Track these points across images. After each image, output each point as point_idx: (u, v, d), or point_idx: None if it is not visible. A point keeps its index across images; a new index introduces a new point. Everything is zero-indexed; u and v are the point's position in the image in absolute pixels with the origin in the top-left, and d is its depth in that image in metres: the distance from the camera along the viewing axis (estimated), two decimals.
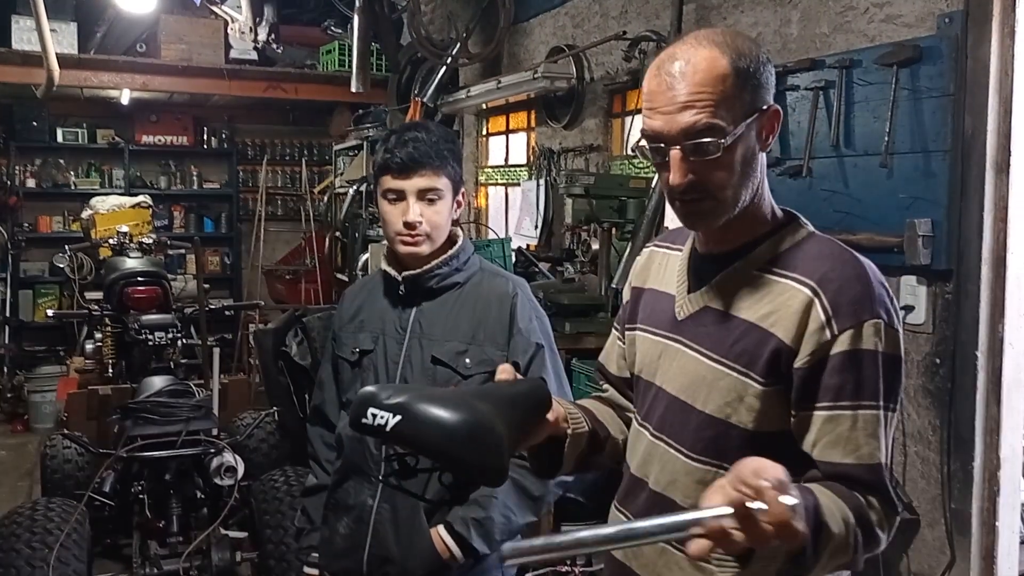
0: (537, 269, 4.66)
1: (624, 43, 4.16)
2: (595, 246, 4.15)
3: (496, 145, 6.46)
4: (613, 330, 1.65)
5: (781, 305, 1.27)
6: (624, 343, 1.57)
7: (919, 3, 2.84)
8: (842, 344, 1.23)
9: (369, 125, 7.19)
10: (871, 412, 1.24)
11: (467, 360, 1.92)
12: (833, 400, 1.23)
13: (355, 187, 6.96)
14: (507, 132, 6.24)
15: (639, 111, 4.07)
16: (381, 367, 2.00)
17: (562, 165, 5.13)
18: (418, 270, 1.98)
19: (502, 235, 5.23)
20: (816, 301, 1.25)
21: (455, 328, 1.95)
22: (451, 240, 2.03)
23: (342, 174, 7.88)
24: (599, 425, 1.52)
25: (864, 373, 1.23)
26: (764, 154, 1.33)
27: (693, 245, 1.43)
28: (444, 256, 1.99)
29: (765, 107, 1.29)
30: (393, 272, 2.01)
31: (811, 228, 1.38)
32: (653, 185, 3.73)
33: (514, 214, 5.78)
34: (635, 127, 4.33)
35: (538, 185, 5.23)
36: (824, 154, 3.16)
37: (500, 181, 6.25)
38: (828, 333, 1.23)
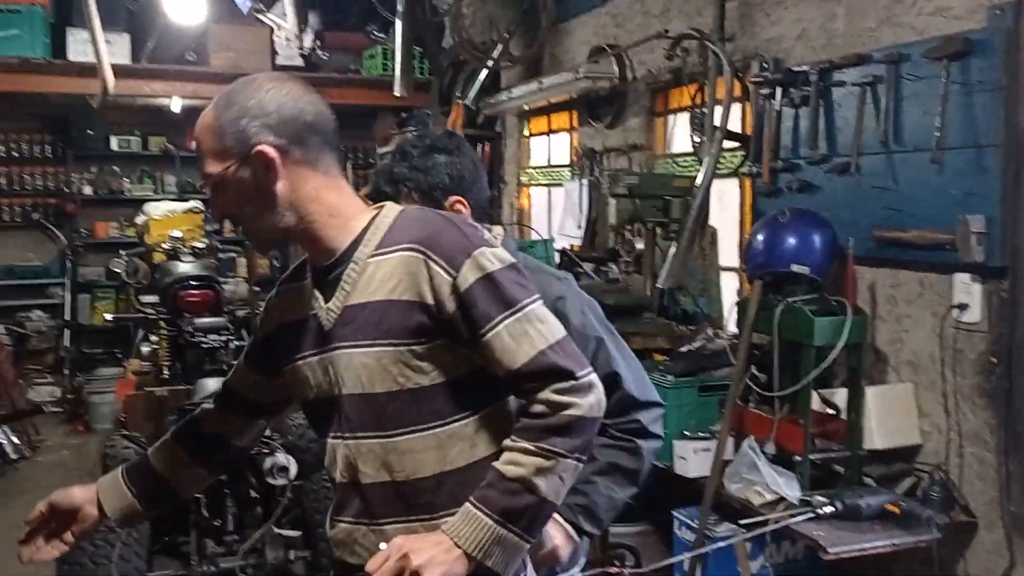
0: (581, 270, 4.66)
1: (666, 41, 4.15)
2: (639, 246, 4.14)
3: (538, 146, 6.48)
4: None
5: (402, 274, 1.44)
6: (266, 376, 1.69)
7: None
8: (465, 279, 1.41)
9: (412, 128, 7.25)
10: (512, 319, 1.41)
11: None
12: (484, 326, 1.40)
13: (372, 180, 7.01)
14: (549, 133, 6.25)
15: (683, 109, 4.04)
16: None
17: (605, 165, 5.13)
18: None
19: (545, 236, 5.25)
20: (425, 258, 1.43)
21: None
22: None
23: None
24: (150, 480, 1.73)
25: (493, 291, 1.41)
26: (312, 179, 1.48)
27: (312, 265, 1.57)
28: None
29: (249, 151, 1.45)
30: None
31: (399, 208, 1.55)
32: (697, 184, 3.72)
33: (557, 215, 5.79)
34: (679, 125, 4.31)
35: (581, 185, 5.23)
36: (872, 150, 3.13)
37: (543, 182, 6.26)
38: (450, 277, 1.41)
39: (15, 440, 6.23)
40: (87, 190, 8.68)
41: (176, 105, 8.16)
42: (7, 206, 8.55)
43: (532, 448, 1.37)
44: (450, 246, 1.43)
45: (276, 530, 3.48)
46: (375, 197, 2.02)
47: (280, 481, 3.56)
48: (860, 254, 3.10)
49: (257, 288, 6.19)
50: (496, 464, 1.39)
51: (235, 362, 4.73)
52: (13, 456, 6.10)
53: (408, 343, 1.43)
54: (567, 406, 1.38)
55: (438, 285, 1.42)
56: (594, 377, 1.42)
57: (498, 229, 2.07)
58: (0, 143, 8.43)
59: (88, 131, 8.52)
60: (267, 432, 3.75)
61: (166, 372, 5.23)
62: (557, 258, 4.50)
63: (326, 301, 1.51)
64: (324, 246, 1.51)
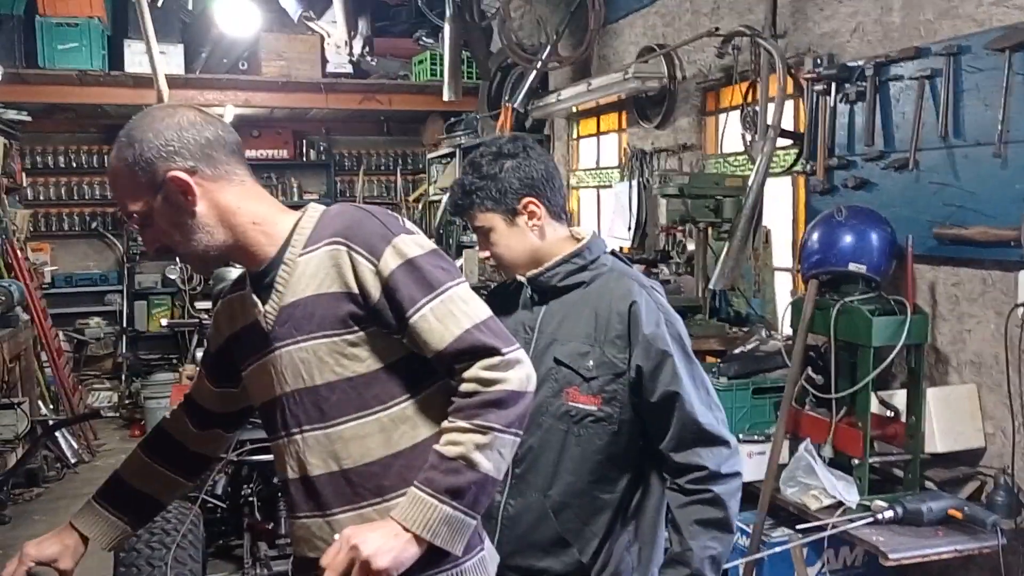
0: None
1: (716, 40, 4.09)
2: (691, 247, 4.08)
3: (587, 147, 6.45)
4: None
5: (328, 268, 1.49)
6: (226, 387, 1.74)
7: None
8: (387, 266, 1.46)
9: (461, 133, 7.28)
10: (436, 301, 1.45)
11: (589, 362, 1.89)
12: (409, 309, 1.45)
13: (448, 194, 7.05)
14: (598, 134, 6.22)
15: (734, 108, 3.97)
16: None
17: (654, 166, 5.08)
18: (537, 270, 1.99)
19: None
20: (347, 249, 1.48)
21: (576, 328, 1.93)
22: (575, 239, 2.02)
23: (435, 182, 8.00)
24: (132, 498, 1.76)
25: (416, 275, 1.46)
26: (228, 192, 1.51)
27: (249, 274, 1.61)
28: (564, 255, 1.97)
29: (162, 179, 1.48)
30: (520, 276, 2.04)
31: (322, 208, 1.58)
32: (750, 184, 3.65)
33: (606, 216, 5.75)
34: (730, 124, 4.25)
35: (630, 186, 5.19)
36: (931, 146, 3.04)
37: (591, 184, 6.23)
38: (372, 265, 1.46)
39: (74, 444, 6.38)
40: None
41: (229, 114, 8.30)
42: (67, 215, 8.79)
43: (468, 426, 1.41)
44: (370, 235, 1.48)
45: None
46: (453, 211, 2.09)
47: None
48: (920, 252, 3.01)
49: None
50: (436, 446, 1.43)
51: None
52: (72, 460, 6.25)
53: (340, 332, 1.49)
54: (496, 381, 1.42)
55: (361, 273, 1.47)
56: (520, 353, 1.47)
57: (585, 229, 2.06)
58: (61, 154, 8.67)
59: None
60: None
61: None
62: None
63: (263, 304, 1.56)
64: (255, 254, 1.55)
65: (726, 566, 3.08)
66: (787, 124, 3.81)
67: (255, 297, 1.57)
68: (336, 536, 1.41)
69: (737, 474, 1.89)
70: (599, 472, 1.90)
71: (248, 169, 1.57)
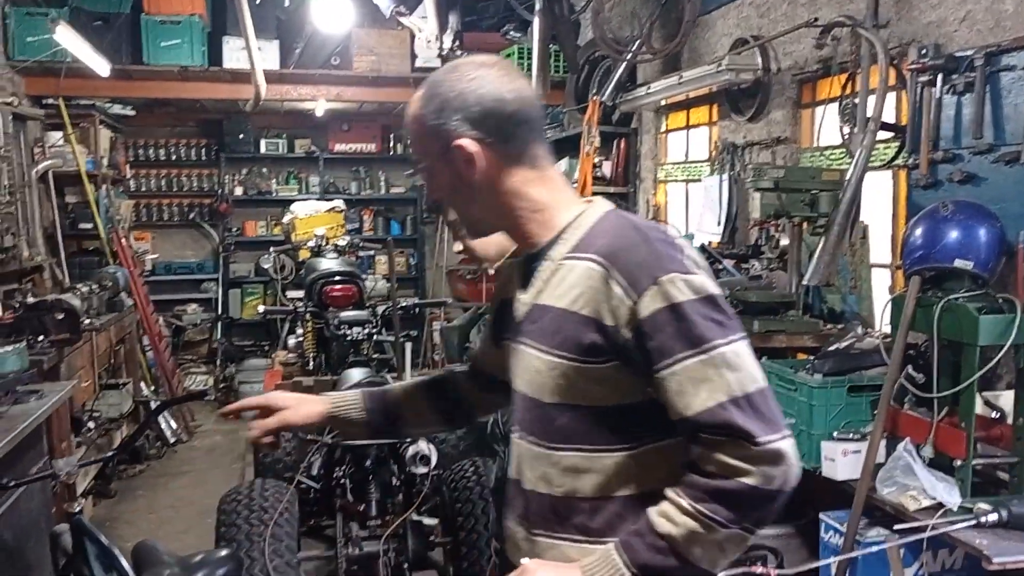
0: (721, 266, 4.57)
1: (814, 31, 4.01)
2: (784, 242, 4.02)
3: (675, 141, 6.39)
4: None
5: (583, 287, 1.35)
6: (496, 348, 1.65)
7: None
8: (646, 307, 1.28)
9: (547, 127, 7.30)
10: (695, 360, 1.26)
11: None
12: (659, 361, 1.28)
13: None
14: (687, 128, 6.15)
15: (831, 100, 3.89)
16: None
17: (746, 159, 5.00)
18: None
19: (683, 232, 5.17)
20: (606, 274, 1.32)
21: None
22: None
23: None
24: (390, 404, 1.78)
25: (676, 327, 1.27)
26: (516, 174, 1.44)
27: (519, 250, 1.54)
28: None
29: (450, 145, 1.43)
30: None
31: (607, 208, 1.45)
32: (848, 177, 3.57)
33: (695, 210, 5.70)
34: (827, 117, 4.16)
35: (720, 180, 5.13)
36: None
37: (680, 178, 6.17)
38: (630, 300, 1.30)
39: (173, 424, 6.65)
40: (238, 191, 9.18)
41: (320, 109, 8.51)
42: (167, 206, 9.15)
43: (690, 509, 1.25)
44: (637, 266, 1.30)
45: (416, 517, 3.57)
46: (431, 209, 1.96)
47: (421, 470, 3.66)
48: None
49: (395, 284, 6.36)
50: (651, 510, 1.30)
51: (376, 354, 4.86)
52: (171, 439, 6.51)
53: (580, 360, 1.35)
54: (740, 473, 1.23)
55: (615, 306, 1.31)
56: (786, 443, 1.25)
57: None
58: (162, 147, 9.02)
59: (239, 135, 9.00)
60: None
61: (311, 363, 5.47)
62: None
63: (523, 291, 1.49)
64: (527, 238, 1.48)
65: (818, 564, 3.04)
66: (889, 117, 3.71)
67: (518, 278, 1.51)
68: (524, 561, 1.36)
69: None
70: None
71: (546, 149, 1.48)
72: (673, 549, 1.26)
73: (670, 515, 1.27)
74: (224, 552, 2.30)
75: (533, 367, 1.42)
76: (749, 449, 1.23)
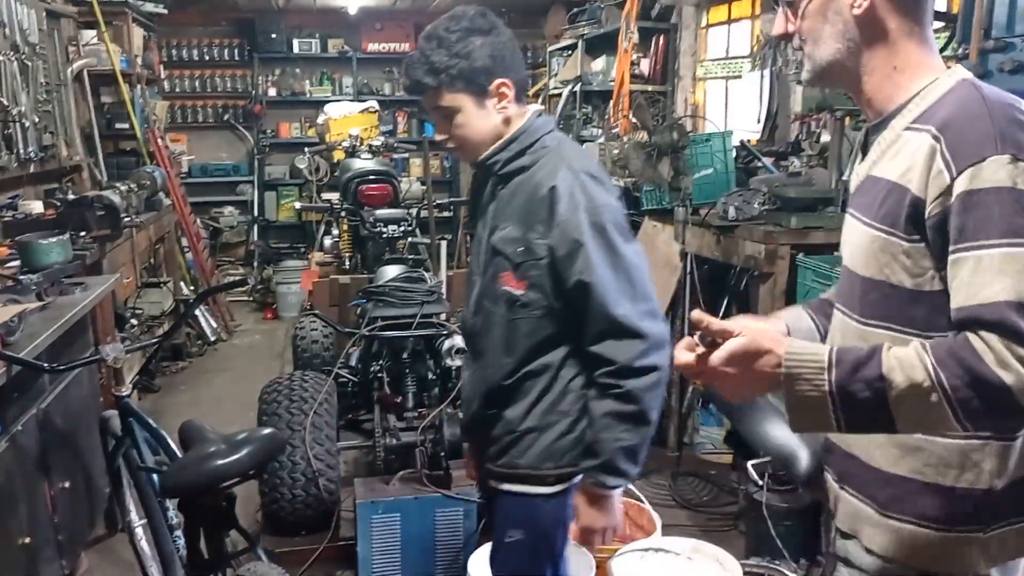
0: (760, 164, 4.49)
1: None
2: (825, 137, 3.92)
3: (716, 37, 6.20)
4: None
5: (914, 159, 1.28)
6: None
7: None
8: (961, 185, 1.21)
9: (584, 23, 7.11)
10: (995, 251, 1.18)
11: (519, 248, 1.86)
12: (955, 243, 1.21)
13: (570, 87, 6.95)
14: (728, 22, 5.96)
15: None
16: (473, 257, 2.04)
17: (788, 54, 4.85)
18: (482, 156, 1.94)
19: (722, 129, 5.08)
20: (938, 147, 1.24)
21: (511, 214, 1.89)
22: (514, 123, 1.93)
23: (556, 75, 7.88)
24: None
25: (985, 212, 1.18)
26: (900, 22, 1.34)
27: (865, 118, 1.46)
28: (501, 141, 1.91)
29: None
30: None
31: (961, 77, 1.33)
32: None
33: (735, 108, 5.57)
34: None
35: (761, 77, 4.99)
36: None
37: (719, 75, 6.01)
38: (948, 176, 1.22)
39: (213, 323, 6.80)
40: (271, 92, 9.12)
41: (353, 6, 8.35)
42: (201, 107, 9.13)
43: (932, 373, 1.16)
44: (967, 142, 1.22)
45: (452, 409, 3.65)
46: (413, 90, 1.93)
47: (456, 362, 3.72)
48: None
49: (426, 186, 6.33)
50: (889, 352, 1.20)
51: (411, 255, 4.79)
52: (212, 338, 6.67)
53: (898, 235, 1.29)
54: (1004, 365, 1.13)
55: (933, 179, 1.23)
56: None
57: (534, 107, 1.98)
58: (195, 47, 8.95)
59: (272, 35, 8.89)
60: (444, 316, 3.93)
61: (347, 263, 5.52)
62: (734, 152, 4.34)
63: (861, 162, 1.43)
64: (871, 103, 1.39)
65: None
66: (941, 5, 3.56)
67: (861, 149, 1.44)
68: (738, 318, 1.38)
69: (653, 368, 1.80)
70: (526, 356, 1.91)
71: (931, 15, 1.38)
72: (885, 397, 1.18)
73: (908, 366, 1.18)
74: (268, 430, 2.38)
75: (856, 240, 1.39)
76: (1018, 351, 1.14)
